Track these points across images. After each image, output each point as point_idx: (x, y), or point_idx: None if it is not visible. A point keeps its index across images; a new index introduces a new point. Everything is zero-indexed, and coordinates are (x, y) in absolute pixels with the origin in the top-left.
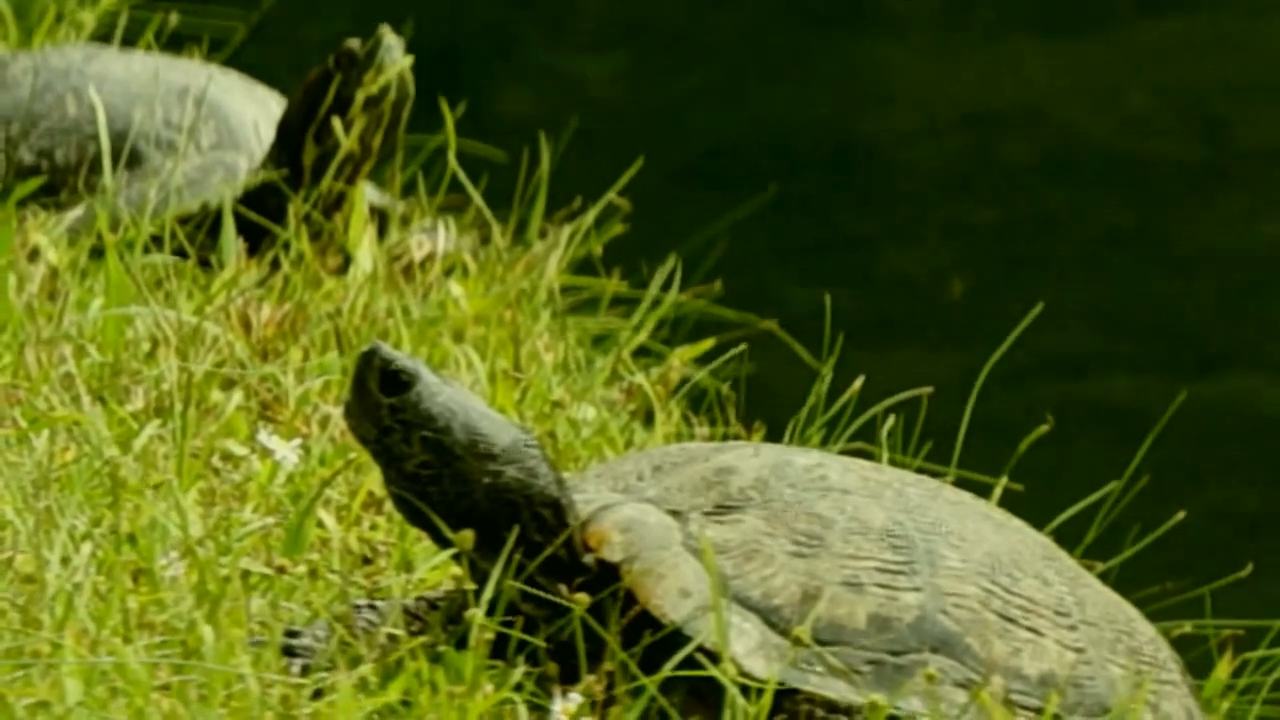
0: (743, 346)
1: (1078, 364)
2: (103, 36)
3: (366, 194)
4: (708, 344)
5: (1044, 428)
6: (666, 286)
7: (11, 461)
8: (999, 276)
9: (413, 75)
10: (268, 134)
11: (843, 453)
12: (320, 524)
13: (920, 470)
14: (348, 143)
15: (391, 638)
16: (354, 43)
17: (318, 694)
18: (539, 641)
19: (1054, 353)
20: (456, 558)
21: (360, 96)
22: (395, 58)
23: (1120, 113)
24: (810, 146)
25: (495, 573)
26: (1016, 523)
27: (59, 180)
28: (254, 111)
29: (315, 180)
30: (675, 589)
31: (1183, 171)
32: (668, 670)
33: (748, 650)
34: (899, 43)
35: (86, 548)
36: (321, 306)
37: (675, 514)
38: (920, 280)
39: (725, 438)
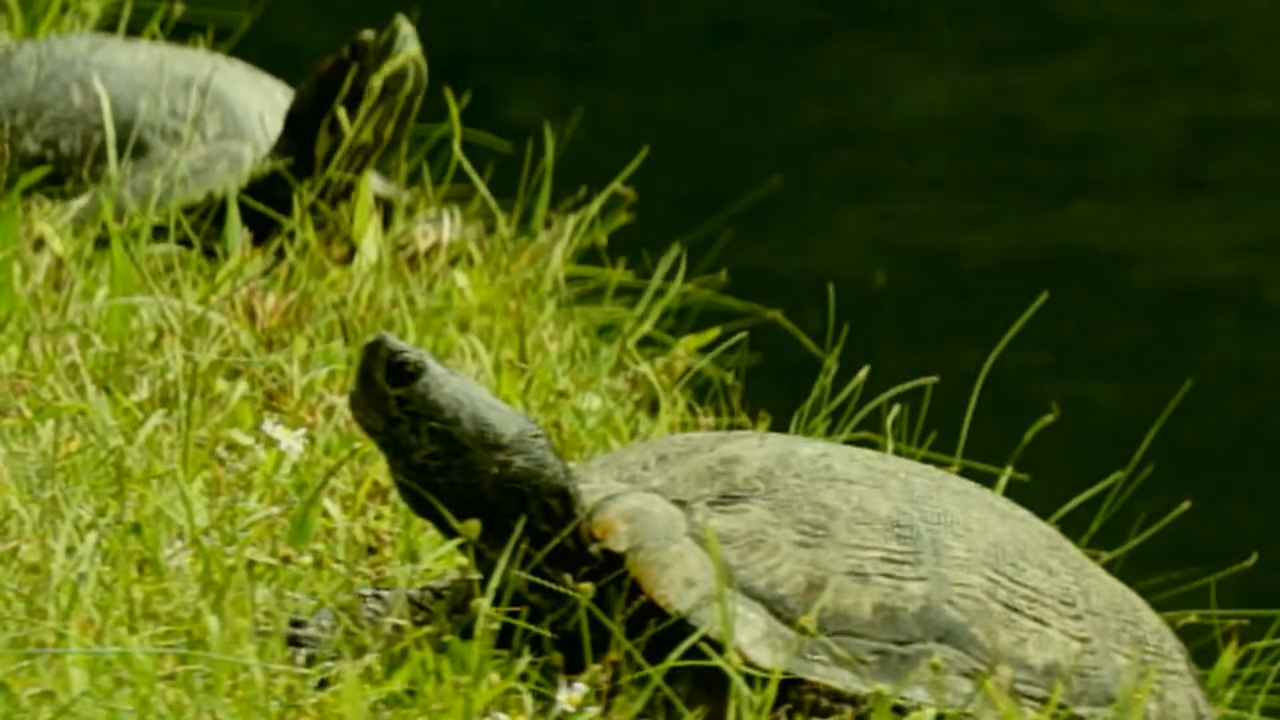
0: (747, 335)
1: (1083, 353)
2: (108, 26)
3: (372, 184)
4: (713, 333)
5: (1049, 417)
6: (671, 276)
7: (17, 451)
8: (1003, 265)
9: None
10: (273, 124)
11: (848, 442)
12: (325, 514)
13: (925, 460)
14: (363, 133)
15: (396, 627)
16: (369, 34)
17: (323, 684)
18: (544, 631)
19: (1059, 341)
20: (462, 547)
21: (378, 87)
22: (411, 48)
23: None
24: (815, 135)
25: (501, 562)
26: (1022, 512)
27: (64, 170)
28: (259, 101)
29: (325, 170)
30: (680, 579)
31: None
32: (673, 660)
33: (753, 640)
34: (898, 33)
35: (92, 537)
36: (326, 296)
37: (680, 504)
38: (925, 270)
39: (730, 427)
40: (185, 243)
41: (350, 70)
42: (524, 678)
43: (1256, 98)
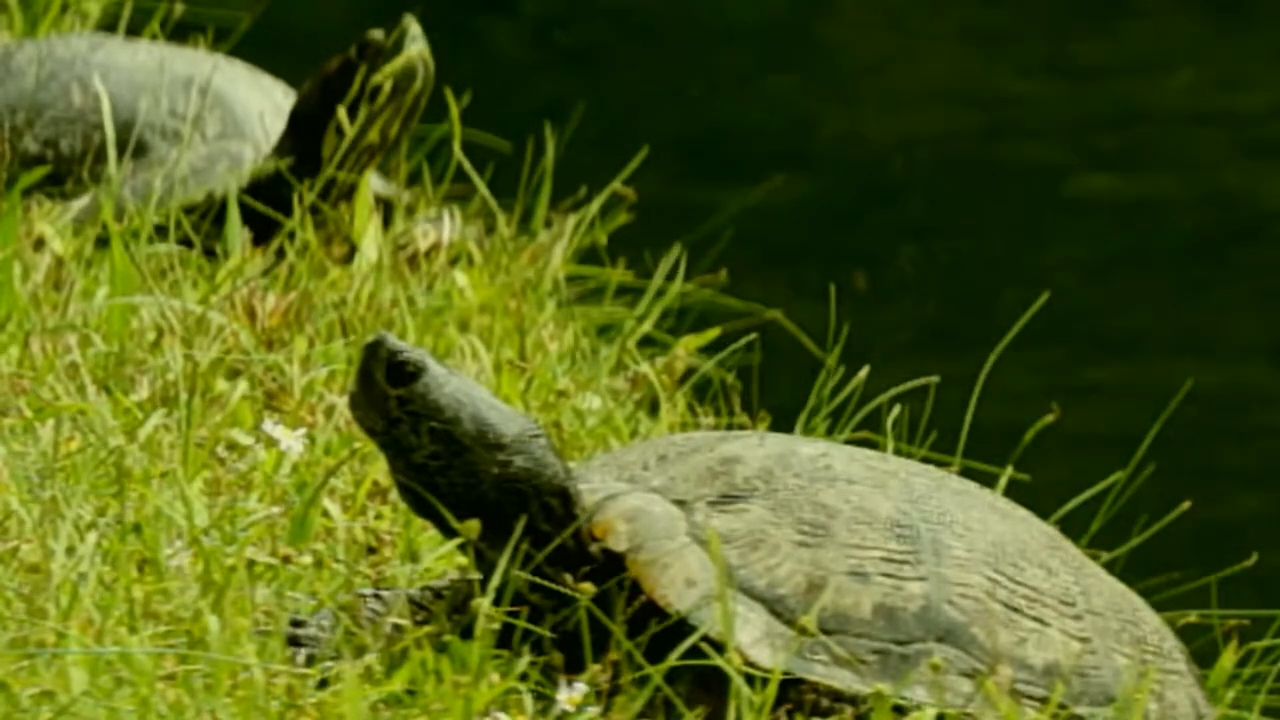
0: (749, 336)
1: (1084, 353)
2: (108, 26)
3: (372, 184)
4: (713, 333)
5: (1050, 417)
6: (672, 276)
7: (17, 451)
8: (1006, 266)
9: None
10: (273, 124)
11: (848, 442)
12: (325, 513)
13: (925, 460)
14: (370, 133)
15: (397, 627)
16: (377, 33)
17: (323, 683)
18: (544, 631)
19: (1060, 342)
20: (462, 547)
21: (388, 86)
22: (420, 48)
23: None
24: (818, 135)
25: (501, 562)
26: (1022, 512)
27: (64, 170)
28: (259, 101)
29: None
30: (680, 578)
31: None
32: (673, 660)
33: (753, 640)
34: (896, 32)
35: (92, 537)
36: (327, 296)
37: (680, 504)
38: (926, 270)
39: (730, 427)
40: (185, 243)
41: (358, 70)
42: (524, 678)
43: None
